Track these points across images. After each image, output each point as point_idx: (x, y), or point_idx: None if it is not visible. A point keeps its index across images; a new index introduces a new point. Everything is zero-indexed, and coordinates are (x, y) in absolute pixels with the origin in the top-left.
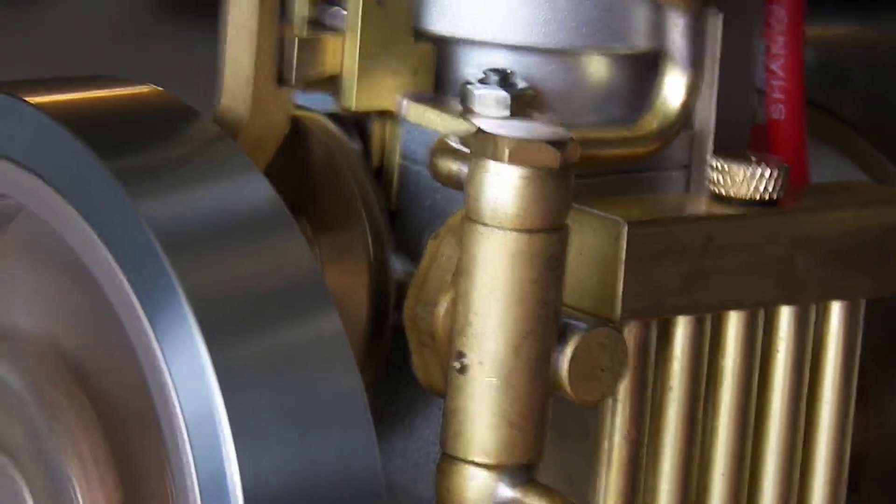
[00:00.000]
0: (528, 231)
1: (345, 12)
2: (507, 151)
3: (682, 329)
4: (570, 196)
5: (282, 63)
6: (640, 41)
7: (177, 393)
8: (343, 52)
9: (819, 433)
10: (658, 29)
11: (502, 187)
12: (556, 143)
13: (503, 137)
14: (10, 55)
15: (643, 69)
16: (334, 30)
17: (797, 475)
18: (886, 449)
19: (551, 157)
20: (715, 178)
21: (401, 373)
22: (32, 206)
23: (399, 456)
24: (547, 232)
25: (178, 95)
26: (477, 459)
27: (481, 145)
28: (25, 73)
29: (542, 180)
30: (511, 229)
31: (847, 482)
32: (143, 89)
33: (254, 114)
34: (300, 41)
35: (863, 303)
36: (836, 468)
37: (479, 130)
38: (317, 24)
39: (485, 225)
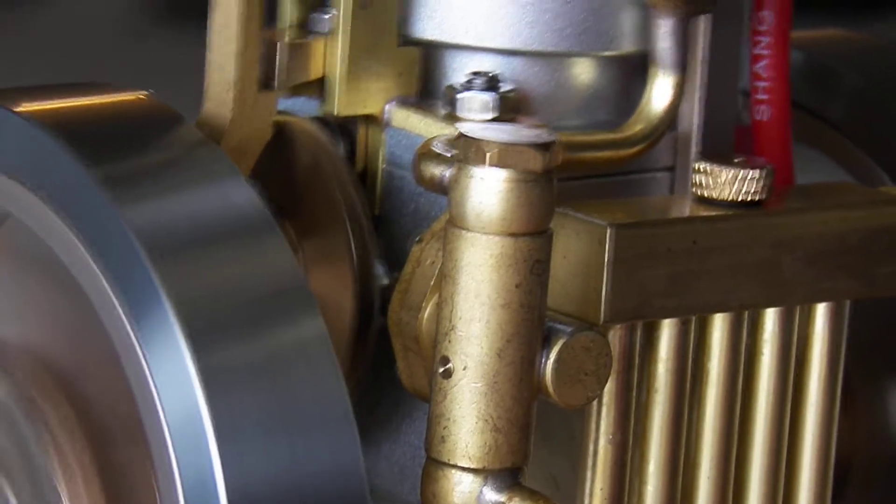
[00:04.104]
0: (512, 235)
1: (329, 16)
2: (489, 155)
3: (667, 331)
4: (554, 199)
5: (266, 68)
6: (626, 44)
7: (161, 398)
8: (327, 56)
9: (804, 435)
10: (644, 31)
11: (486, 191)
12: (540, 147)
13: (486, 141)
14: (8, 56)
15: (629, 72)
16: (320, 34)
17: (783, 477)
18: (873, 451)
19: (534, 161)
20: (699, 181)
21: (385, 377)
22: (17, 213)
23: (384, 460)
24: (531, 236)
25: (174, 99)
26: (462, 464)
27: (464, 149)
28: (23, 74)
29: (526, 184)
30: (495, 233)
31: (833, 484)
32: (127, 95)
33: (237, 119)
34: (286, 45)
35: (848, 304)
36: (821, 470)
37: (462, 134)
38: (303, 28)
39: (468, 230)
